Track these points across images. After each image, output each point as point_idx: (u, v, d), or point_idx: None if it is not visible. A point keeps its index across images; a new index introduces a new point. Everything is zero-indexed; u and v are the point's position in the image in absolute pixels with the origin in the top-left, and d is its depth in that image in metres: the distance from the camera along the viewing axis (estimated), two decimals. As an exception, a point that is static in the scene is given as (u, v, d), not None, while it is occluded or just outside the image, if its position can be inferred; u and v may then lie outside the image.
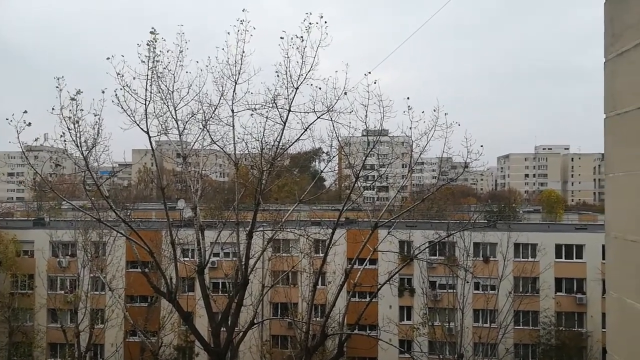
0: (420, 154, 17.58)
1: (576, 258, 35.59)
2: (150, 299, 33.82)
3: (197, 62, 16.72)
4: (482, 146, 15.85)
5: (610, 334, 2.77)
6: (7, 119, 13.89)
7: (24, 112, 13.99)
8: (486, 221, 42.69)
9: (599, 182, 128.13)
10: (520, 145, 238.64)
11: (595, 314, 34.17)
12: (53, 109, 14.92)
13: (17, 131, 14.09)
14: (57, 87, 14.76)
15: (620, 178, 2.83)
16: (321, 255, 22.52)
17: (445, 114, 15.66)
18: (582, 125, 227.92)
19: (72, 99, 14.83)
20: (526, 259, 35.36)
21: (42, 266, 36.10)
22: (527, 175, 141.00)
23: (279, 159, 18.95)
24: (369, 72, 15.70)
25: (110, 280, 28.66)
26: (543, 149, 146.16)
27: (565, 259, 35.64)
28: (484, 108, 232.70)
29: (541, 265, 34.74)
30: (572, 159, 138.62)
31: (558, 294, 35.30)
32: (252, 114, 17.16)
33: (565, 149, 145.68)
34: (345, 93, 16.05)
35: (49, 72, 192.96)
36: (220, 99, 17.07)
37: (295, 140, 17.68)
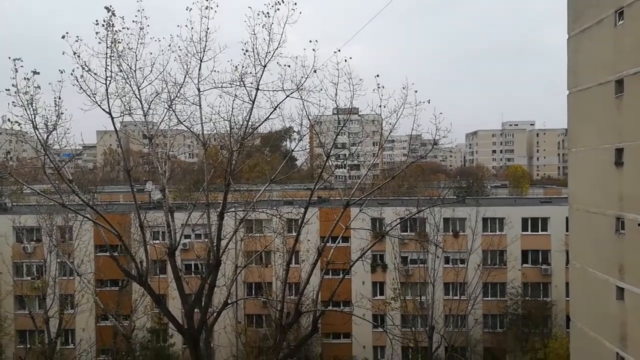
0: (390, 131, 17.61)
1: (541, 230, 36.79)
2: (121, 283, 33.38)
3: (159, 40, 16.13)
4: (451, 123, 15.99)
5: (573, 302, 2.83)
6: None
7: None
8: (455, 197, 43.54)
9: (563, 157, 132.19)
10: (487, 122, 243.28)
11: (559, 284, 35.57)
12: (8, 89, 14.27)
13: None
14: (12, 68, 14.08)
15: (582, 153, 2.85)
16: (294, 234, 22.55)
17: (415, 92, 15.67)
18: (548, 100, 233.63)
19: (27, 79, 14.17)
20: (494, 233, 36.36)
21: (7, 252, 35.02)
22: (494, 151, 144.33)
23: (248, 138, 18.68)
24: (338, 50, 15.51)
25: (79, 265, 28.15)
26: (510, 125, 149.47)
27: (531, 231, 36.80)
28: (449, 86, 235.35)
29: (508, 238, 35.81)
30: (538, 134, 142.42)
31: (524, 265, 36.54)
32: (220, 95, 16.77)
33: (531, 124, 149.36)
34: (315, 71, 15.80)
35: None
36: (185, 77, 16.59)
37: (265, 120, 17.45)
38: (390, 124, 16.72)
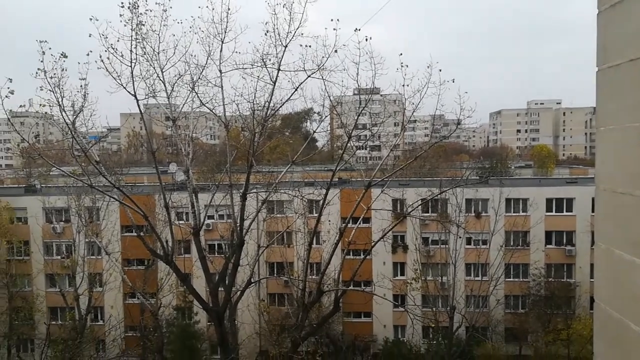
0: (413, 111, 17.42)
1: (566, 211, 36.15)
2: (147, 262, 34.19)
3: (181, 22, 16.25)
4: (475, 103, 15.75)
5: (598, 283, 2.80)
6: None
7: (8, 80, 13.67)
8: (478, 178, 43.02)
9: (590, 136, 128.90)
10: (512, 101, 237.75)
11: (584, 265, 35.05)
12: (37, 71, 14.58)
13: (0, 98, 13.80)
14: (39, 50, 14.35)
15: (611, 131, 2.80)
16: (315, 215, 22.71)
17: (440, 71, 15.40)
18: (574, 79, 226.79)
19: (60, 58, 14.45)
20: (517, 214, 35.89)
21: (37, 232, 36.19)
22: (519, 131, 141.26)
23: (270, 119, 18.75)
24: (359, 29, 15.31)
25: (106, 244, 28.87)
26: (535, 104, 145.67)
27: (555, 212, 36.20)
28: (473, 65, 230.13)
29: (532, 219, 35.31)
30: (564, 113, 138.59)
31: (548, 246, 36.06)
32: (242, 77, 16.82)
33: (557, 103, 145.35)
34: (336, 50, 15.69)
35: (26, 34, 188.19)
36: (207, 59, 16.74)
37: (286, 100, 17.47)
38: (413, 103, 16.56)
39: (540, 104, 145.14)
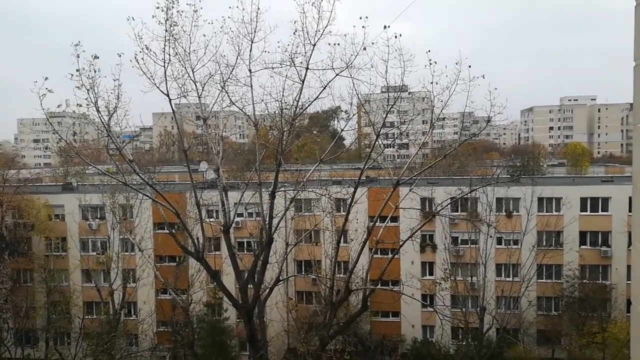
0: (442, 109, 17.18)
1: (602, 211, 35.09)
2: (179, 259, 34.88)
3: (211, 22, 16.49)
4: (506, 99, 15.42)
5: (635, 285, 2.71)
6: (31, 90, 14.05)
7: (45, 79, 14.15)
8: (509, 176, 42.17)
9: (627, 133, 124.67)
10: (543, 98, 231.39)
11: (620, 267, 33.94)
12: (72, 75, 15.04)
13: (40, 98, 14.30)
14: (73, 53, 14.80)
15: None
16: (343, 213, 22.71)
17: (469, 67, 15.11)
18: (610, 75, 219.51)
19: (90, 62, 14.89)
20: (550, 213, 35.04)
21: (74, 229, 37.43)
22: (551, 128, 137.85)
23: (298, 118, 18.82)
24: (388, 26, 15.17)
25: (139, 241, 29.57)
26: (569, 100, 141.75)
27: (590, 212, 35.18)
28: (503, 61, 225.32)
29: (565, 218, 34.40)
30: (599, 109, 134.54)
31: (582, 247, 35.08)
32: (271, 75, 16.95)
33: (592, 99, 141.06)
34: (365, 48, 15.57)
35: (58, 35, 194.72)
36: (237, 58, 16.91)
37: (315, 99, 17.47)
38: (442, 101, 16.32)
39: (574, 100, 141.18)
